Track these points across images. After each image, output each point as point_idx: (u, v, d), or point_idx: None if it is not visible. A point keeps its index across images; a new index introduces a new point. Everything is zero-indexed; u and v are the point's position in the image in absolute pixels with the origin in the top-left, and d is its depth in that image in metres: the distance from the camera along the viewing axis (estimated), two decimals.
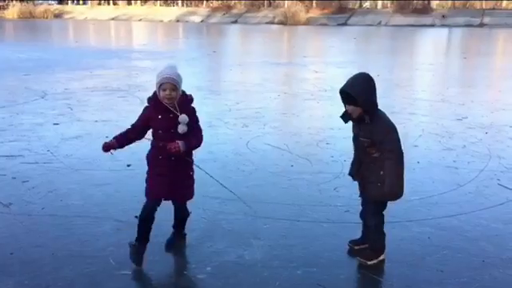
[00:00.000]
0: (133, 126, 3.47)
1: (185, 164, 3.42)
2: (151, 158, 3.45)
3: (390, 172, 3.23)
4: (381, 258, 3.47)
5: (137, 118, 3.46)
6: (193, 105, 3.45)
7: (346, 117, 3.37)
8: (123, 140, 3.47)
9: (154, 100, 3.37)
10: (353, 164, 3.56)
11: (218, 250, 3.64)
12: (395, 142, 3.26)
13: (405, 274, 3.34)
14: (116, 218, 4.11)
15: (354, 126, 3.44)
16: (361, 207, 3.60)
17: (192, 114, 3.40)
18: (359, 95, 3.20)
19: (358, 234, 3.67)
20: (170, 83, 3.27)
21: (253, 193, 4.72)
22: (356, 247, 3.63)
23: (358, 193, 3.57)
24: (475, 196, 4.71)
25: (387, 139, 3.25)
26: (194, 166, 3.54)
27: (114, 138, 3.46)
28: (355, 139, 3.45)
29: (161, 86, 3.29)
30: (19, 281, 3.21)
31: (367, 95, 3.24)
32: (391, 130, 3.29)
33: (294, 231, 3.93)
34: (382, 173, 3.26)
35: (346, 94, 3.26)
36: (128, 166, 5.42)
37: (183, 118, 3.31)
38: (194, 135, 3.39)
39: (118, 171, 5.30)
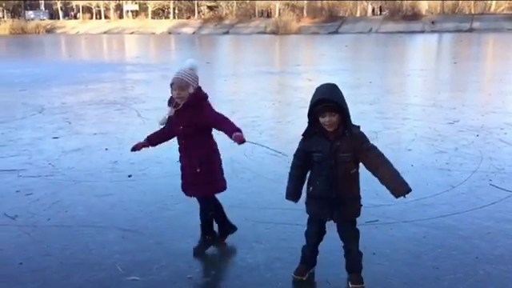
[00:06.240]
0: (163, 127, 3.72)
1: None
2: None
3: (390, 168, 3.01)
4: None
5: None
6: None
7: (310, 134, 3.17)
8: (154, 139, 3.74)
9: (170, 100, 3.61)
10: (293, 185, 3.45)
11: (221, 254, 3.76)
12: (369, 140, 3.09)
13: (402, 272, 3.47)
14: (120, 227, 4.22)
15: (319, 145, 3.14)
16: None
17: (204, 109, 3.65)
18: (343, 103, 3.00)
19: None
20: (177, 84, 3.47)
21: (253, 199, 4.85)
22: (304, 278, 3.39)
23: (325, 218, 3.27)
24: (468, 196, 4.86)
25: (364, 144, 3.08)
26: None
27: (146, 138, 3.74)
28: (330, 157, 3.08)
29: (171, 86, 3.50)
30: None
31: (346, 104, 3.03)
32: (364, 136, 3.12)
33: (293, 234, 4.04)
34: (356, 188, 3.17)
35: (327, 103, 2.98)
36: (129, 176, 5.55)
37: (168, 110, 3.57)
38: (226, 123, 3.72)
39: (120, 182, 5.41)
